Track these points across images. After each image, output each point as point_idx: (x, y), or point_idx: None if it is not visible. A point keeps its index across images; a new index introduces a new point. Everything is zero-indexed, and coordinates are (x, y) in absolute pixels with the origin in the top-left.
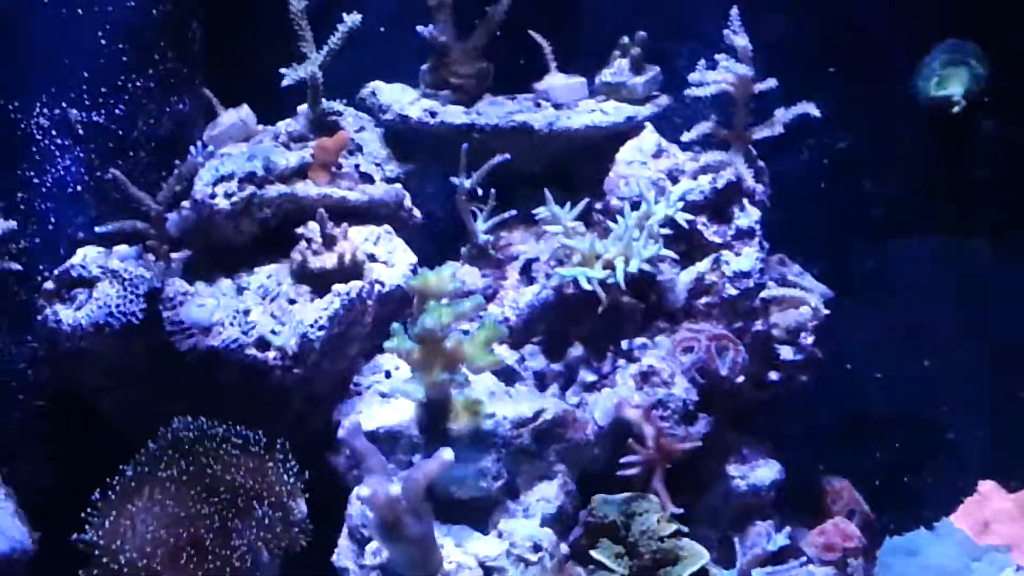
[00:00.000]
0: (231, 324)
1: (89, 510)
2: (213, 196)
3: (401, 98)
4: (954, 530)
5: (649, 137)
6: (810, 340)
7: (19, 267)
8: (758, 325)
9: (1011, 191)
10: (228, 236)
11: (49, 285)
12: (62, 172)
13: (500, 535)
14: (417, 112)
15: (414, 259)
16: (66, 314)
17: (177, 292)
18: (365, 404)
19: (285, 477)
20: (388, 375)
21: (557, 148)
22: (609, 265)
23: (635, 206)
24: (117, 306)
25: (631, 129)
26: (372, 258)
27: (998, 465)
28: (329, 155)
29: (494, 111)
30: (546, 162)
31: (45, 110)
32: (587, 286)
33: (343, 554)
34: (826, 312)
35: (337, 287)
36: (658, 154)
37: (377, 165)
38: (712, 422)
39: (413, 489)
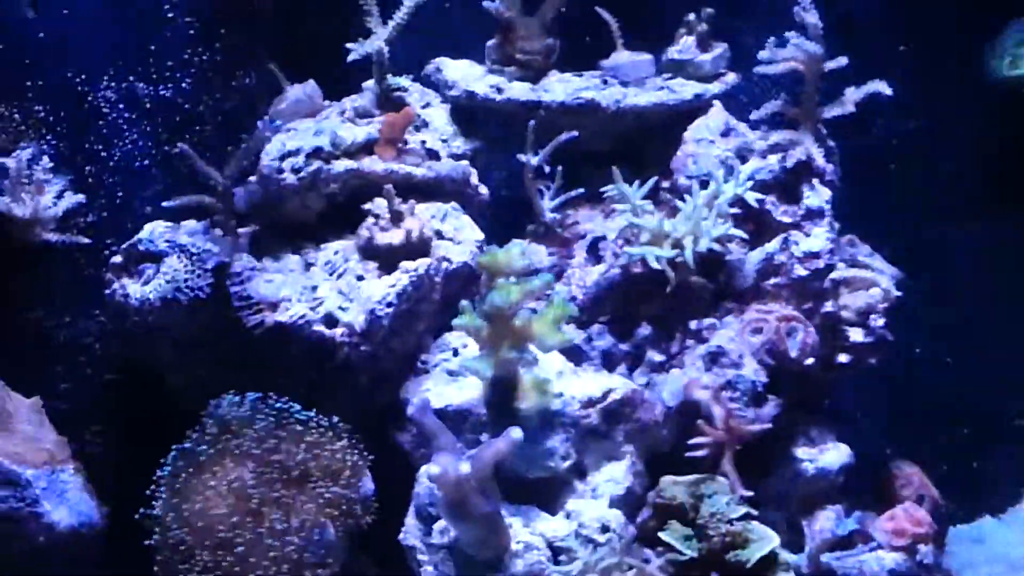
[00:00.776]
0: (299, 300)
1: (155, 485)
2: (280, 171)
3: (467, 74)
4: (1022, 518)
5: (717, 115)
6: (880, 322)
7: (87, 241)
8: (828, 306)
9: None
10: (295, 211)
11: (117, 259)
12: (130, 146)
13: (568, 515)
14: (483, 88)
15: (481, 236)
16: (134, 288)
17: (245, 267)
18: (432, 382)
19: (350, 454)
20: (456, 353)
21: (624, 126)
22: (677, 244)
23: (703, 185)
24: (185, 281)
25: (698, 107)
26: (439, 235)
27: None
28: (396, 131)
29: (561, 88)
30: (612, 140)
31: (112, 84)
32: (656, 265)
33: (410, 533)
34: (897, 294)
35: (405, 264)
36: (726, 133)
37: (443, 141)
38: (781, 404)
39: (482, 468)
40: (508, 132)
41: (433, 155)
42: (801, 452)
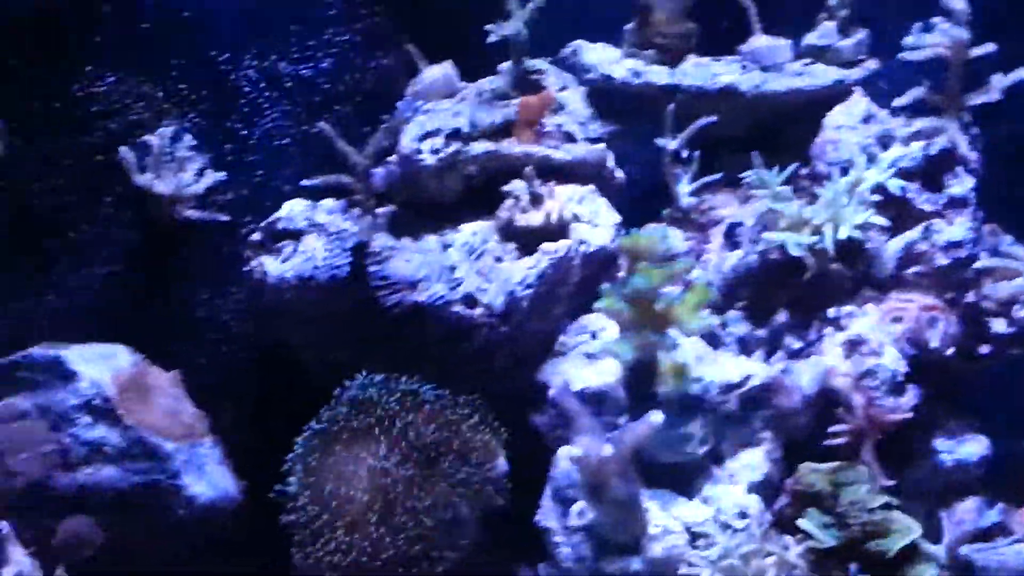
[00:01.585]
0: (437, 280)
1: (289, 463)
2: (419, 152)
3: (604, 57)
4: None
5: (858, 101)
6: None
7: (227, 218)
8: (970, 296)
9: None
10: (433, 192)
11: (256, 237)
12: (270, 125)
13: (705, 501)
14: (621, 72)
15: (618, 219)
16: (272, 266)
17: (383, 247)
18: (570, 364)
19: (485, 435)
20: (594, 336)
21: (762, 111)
22: (817, 231)
23: (844, 172)
24: (323, 259)
25: (838, 93)
26: (576, 218)
27: None
28: (534, 113)
29: (699, 72)
30: (750, 125)
31: (254, 63)
32: (795, 252)
33: (547, 514)
34: None
35: (545, 246)
36: (867, 119)
37: (580, 124)
38: (921, 394)
39: (623, 451)
40: (645, 116)
41: (569, 138)
42: (940, 443)
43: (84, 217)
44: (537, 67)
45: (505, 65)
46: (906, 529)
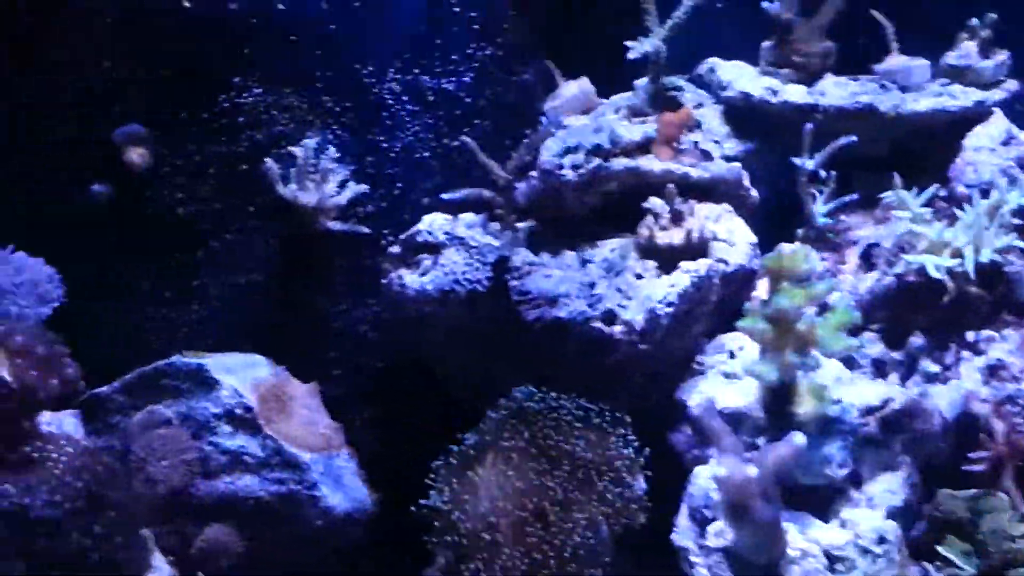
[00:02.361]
0: (577, 296)
1: (432, 476)
2: (560, 167)
3: (741, 75)
4: None
5: (998, 123)
6: None
7: (367, 230)
8: None
9: None
10: (572, 208)
11: (395, 249)
12: (411, 138)
13: (843, 524)
14: (759, 90)
15: (754, 239)
16: (411, 279)
17: (524, 262)
18: (708, 383)
19: (626, 452)
20: (732, 355)
21: (901, 131)
22: (957, 254)
23: (984, 194)
24: (463, 273)
25: (978, 115)
26: (713, 236)
27: None
28: (673, 130)
29: (837, 92)
30: (888, 145)
31: (398, 76)
32: (935, 274)
33: (683, 534)
34: None
35: (686, 264)
36: (1007, 141)
37: (715, 143)
38: None
39: (765, 472)
40: (780, 135)
41: (706, 156)
42: None
43: (227, 227)
44: (674, 84)
45: (641, 82)
46: None
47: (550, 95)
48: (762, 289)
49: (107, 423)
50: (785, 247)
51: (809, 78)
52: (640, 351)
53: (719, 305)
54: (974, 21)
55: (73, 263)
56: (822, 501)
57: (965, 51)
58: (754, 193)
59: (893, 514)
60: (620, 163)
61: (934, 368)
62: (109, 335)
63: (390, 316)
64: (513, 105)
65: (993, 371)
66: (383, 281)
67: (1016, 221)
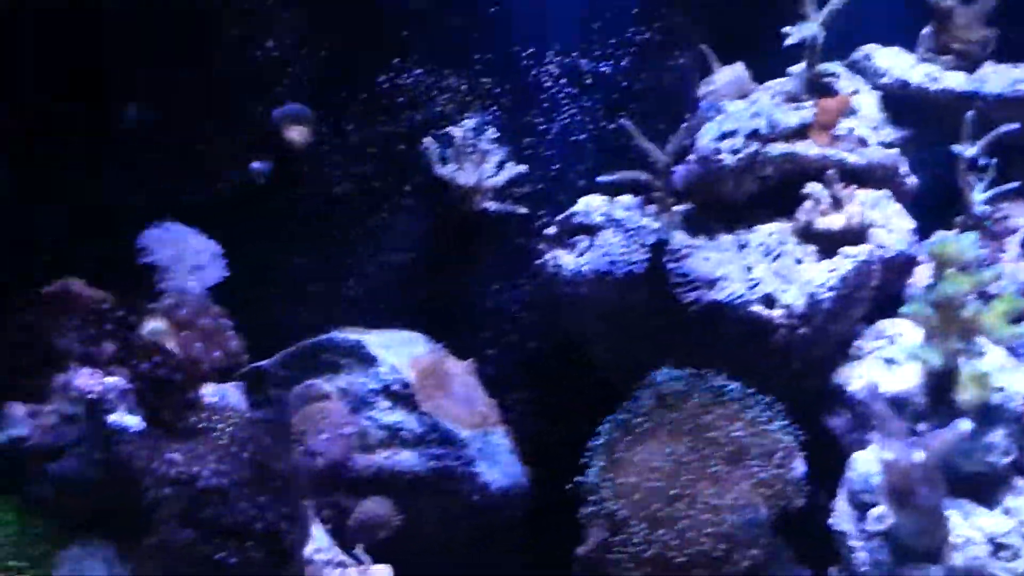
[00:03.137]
0: (736, 279)
1: (586, 454)
2: (718, 152)
3: (899, 62)
4: None
5: None
6: None
7: (523, 211)
8: None
9: None
10: (729, 192)
11: (551, 231)
12: (568, 120)
13: (1007, 512)
14: (918, 77)
15: (912, 225)
16: (567, 260)
17: (682, 244)
18: (866, 368)
19: (783, 435)
20: (891, 341)
21: None
22: None
23: None
24: (620, 255)
25: None
26: (872, 223)
27: None
28: (830, 116)
29: (998, 79)
30: None
31: (556, 59)
32: None
33: (841, 518)
34: None
35: (847, 249)
36: None
37: (872, 129)
38: None
39: (931, 457)
40: (939, 122)
41: (862, 142)
42: None
43: (384, 206)
44: (831, 70)
45: (797, 68)
46: None
47: (706, 80)
48: (920, 276)
49: (267, 396)
50: (950, 234)
51: (969, 65)
52: (799, 335)
53: (879, 291)
54: None
55: (233, 239)
56: (985, 489)
57: None
58: (911, 180)
59: None
60: (777, 148)
61: None
62: (268, 310)
63: (545, 297)
64: (669, 89)
65: None
66: (538, 262)
67: None
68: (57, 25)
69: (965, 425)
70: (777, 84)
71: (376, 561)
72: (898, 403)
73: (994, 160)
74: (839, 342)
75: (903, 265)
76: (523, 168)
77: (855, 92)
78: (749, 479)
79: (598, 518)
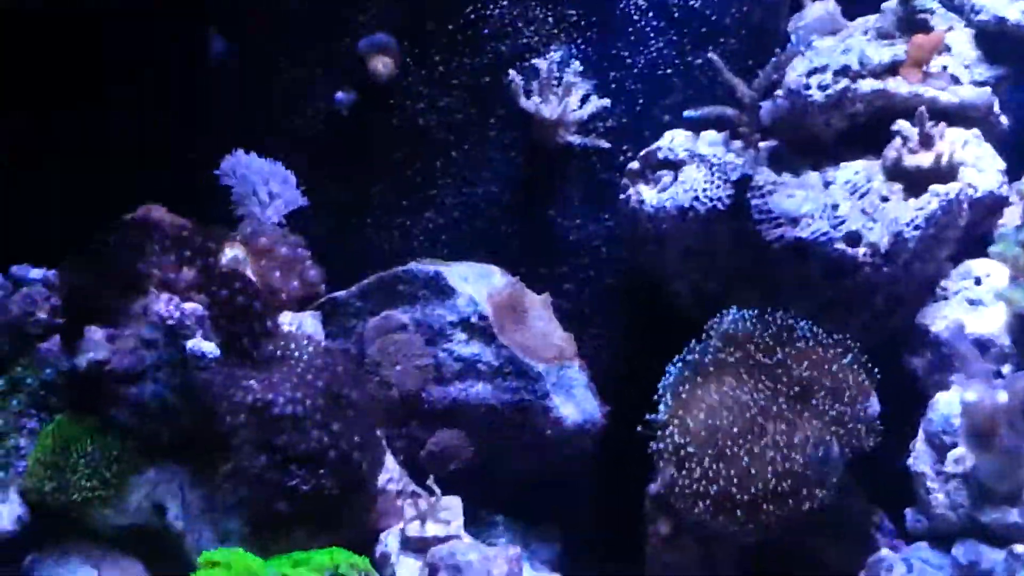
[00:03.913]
0: (820, 217)
1: (659, 391)
2: (807, 87)
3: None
4: None
5: None
6: None
7: (607, 145)
8: None
9: None
10: (817, 129)
11: (634, 166)
12: (654, 54)
13: None
14: (1015, 14)
15: (1002, 166)
16: (650, 195)
17: (767, 181)
18: (951, 309)
19: (859, 374)
20: (978, 282)
21: None
22: None
23: None
24: (704, 191)
25: None
26: (962, 162)
27: None
28: (923, 53)
29: None
30: None
31: None
32: None
33: (919, 459)
34: None
35: (935, 187)
36: None
37: (965, 67)
38: None
39: (1015, 400)
40: None
41: (955, 80)
42: None
43: (467, 138)
44: (924, 6)
45: (891, 3)
46: None
47: (796, 15)
48: (1009, 217)
49: (344, 327)
50: None
51: None
52: (883, 274)
53: (967, 231)
54: None
55: (315, 169)
56: None
57: None
58: (1004, 120)
59: None
60: (868, 85)
61: None
62: (347, 240)
63: (624, 232)
64: (759, 24)
65: None
66: (620, 197)
67: None
68: None
69: None
70: (870, 20)
71: (447, 493)
72: (982, 344)
73: None
74: (924, 282)
75: (992, 206)
76: (607, 102)
77: (949, 29)
78: (822, 417)
79: (669, 456)
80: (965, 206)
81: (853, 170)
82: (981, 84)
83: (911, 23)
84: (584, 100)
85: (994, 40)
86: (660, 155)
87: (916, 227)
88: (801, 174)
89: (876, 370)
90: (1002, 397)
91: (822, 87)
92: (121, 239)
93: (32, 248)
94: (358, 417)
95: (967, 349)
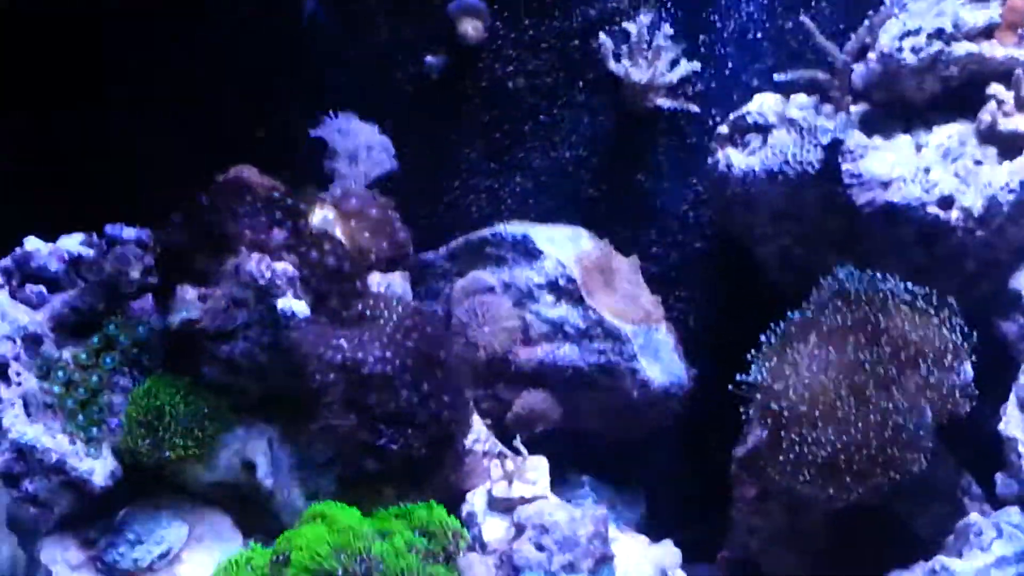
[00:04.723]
0: (912, 181)
1: (752, 353)
2: (900, 50)
3: None
4: None
5: None
6: None
7: (696, 109)
8: None
9: None
10: (909, 92)
11: (723, 129)
12: (744, 18)
13: None
14: None
15: None
16: (738, 159)
17: (858, 145)
18: None
19: (952, 338)
20: None
21: None
22: None
23: None
24: (793, 154)
25: None
26: None
27: None
28: (1019, 16)
29: None
30: None
31: None
32: None
33: (1011, 423)
34: None
35: None
36: None
37: None
38: None
39: None
40: None
41: None
42: None
43: (556, 101)
44: None
45: None
46: None
47: None
48: None
49: (432, 288)
50: None
51: None
52: (976, 238)
53: None
54: None
55: (405, 131)
56: None
57: None
58: None
59: None
60: (962, 48)
61: None
62: (436, 203)
63: (712, 195)
64: None
65: None
66: (708, 161)
67: None
68: None
69: None
70: None
71: (534, 454)
72: None
73: None
74: (1017, 247)
75: None
76: (697, 66)
77: None
78: (916, 382)
79: (760, 416)
80: None
81: (946, 134)
82: None
83: None
84: (674, 64)
85: None
86: (749, 119)
87: (1011, 191)
88: (893, 138)
89: (970, 335)
90: None
91: (915, 50)
92: (213, 200)
93: (127, 208)
94: (447, 378)
95: None
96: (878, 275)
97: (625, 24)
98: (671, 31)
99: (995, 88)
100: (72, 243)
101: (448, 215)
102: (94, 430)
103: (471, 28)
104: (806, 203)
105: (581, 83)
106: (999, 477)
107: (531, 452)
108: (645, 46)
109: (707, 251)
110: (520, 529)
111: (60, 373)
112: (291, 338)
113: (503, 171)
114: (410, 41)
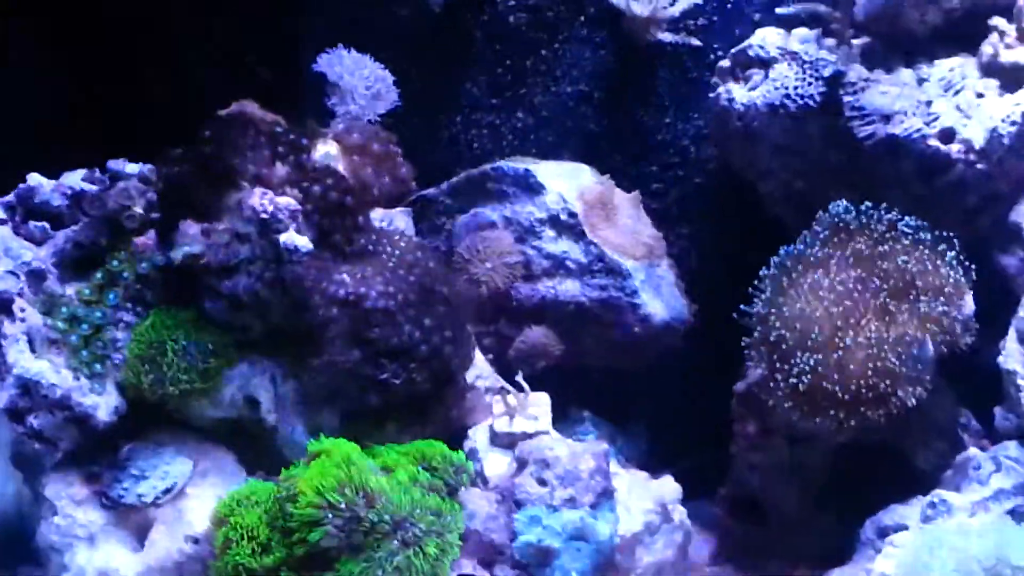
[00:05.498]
0: (913, 114)
1: (753, 286)
2: None
3: None
4: None
5: None
6: None
7: (698, 43)
8: None
9: None
10: (911, 25)
11: (725, 64)
12: None
13: None
14: None
15: None
16: (740, 93)
17: (860, 78)
18: None
19: (953, 272)
20: None
21: None
22: None
23: None
24: (795, 88)
25: None
26: None
27: None
28: None
29: None
30: None
31: None
32: None
33: (1010, 357)
34: None
35: None
36: None
37: None
38: None
39: None
40: None
41: None
42: None
43: (558, 35)
44: None
45: None
46: None
47: None
48: None
49: (434, 224)
50: None
51: None
52: (977, 171)
53: None
54: None
55: (406, 67)
56: None
57: None
58: None
59: None
60: None
61: None
62: (437, 138)
63: (714, 131)
64: None
65: None
66: (710, 95)
67: None
68: None
69: None
70: None
71: (535, 389)
72: None
73: None
74: (1018, 180)
75: None
76: (698, 0)
77: None
78: (917, 314)
79: (762, 348)
80: None
81: (948, 67)
82: None
83: None
84: None
85: None
86: (751, 53)
87: (1012, 123)
88: (894, 71)
89: (971, 268)
90: None
91: None
92: (216, 135)
93: (129, 143)
94: (449, 313)
95: None
96: (882, 208)
97: None
98: None
99: (997, 20)
100: (75, 179)
101: (450, 151)
102: (98, 366)
103: None
104: (808, 137)
105: (582, 17)
106: (998, 411)
107: (533, 388)
108: None
109: (709, 186)
110: (522, 464)
111: (64, 309)
112: (293, 273)
113: (504, 106)
114: None
